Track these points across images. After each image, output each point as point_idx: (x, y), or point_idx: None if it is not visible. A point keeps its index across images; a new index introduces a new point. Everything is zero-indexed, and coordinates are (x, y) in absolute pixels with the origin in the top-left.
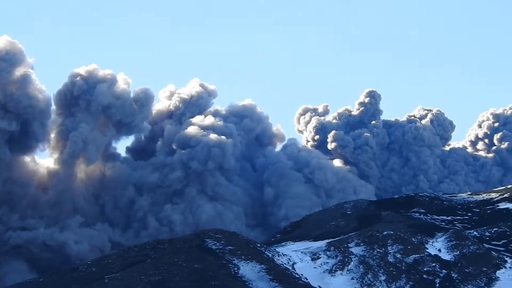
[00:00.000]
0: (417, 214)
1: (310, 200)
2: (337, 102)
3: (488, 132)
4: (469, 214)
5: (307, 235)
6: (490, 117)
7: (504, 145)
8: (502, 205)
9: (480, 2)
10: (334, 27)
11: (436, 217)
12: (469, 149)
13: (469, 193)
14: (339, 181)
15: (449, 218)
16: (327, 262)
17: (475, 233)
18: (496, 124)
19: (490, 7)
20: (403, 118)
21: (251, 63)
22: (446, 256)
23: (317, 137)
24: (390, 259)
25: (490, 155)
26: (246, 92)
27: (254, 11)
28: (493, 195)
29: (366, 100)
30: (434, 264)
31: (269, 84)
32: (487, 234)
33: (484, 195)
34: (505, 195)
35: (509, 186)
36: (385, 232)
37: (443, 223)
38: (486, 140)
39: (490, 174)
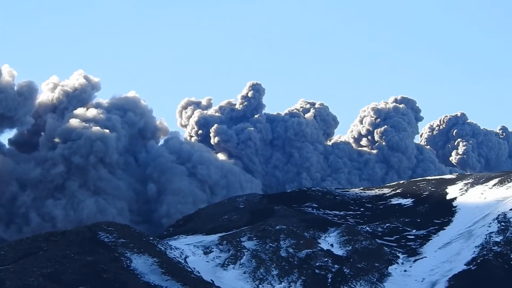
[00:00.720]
0: (310, 209)
1: (193, 195)
2: (221, 95)
3: (370, 129)
4: (362, 209)
5: (200, 229)
6: (371, 112)
7: (384, 142)
8: (395, 201)
9: None
10: (217, 20)
11: (329, 212)
12: (354, 144)
13: (362, 188)
14: (224, 176)
15: (341, 213)
16: (219, 256)
17: (367, 228)
18: (378, 120)
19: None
20: (285, 111)
21: (135, 55)
22: (338, 251)
23: (200, 131)
24: (283, 253)
25: (374, 151)
26: (130, 84)
27: (138, 2)
28: (386, 190)
29: (250, 93)
30: (326, 259)
31: (153, 76)
32: (380, 229)
33: (376, 190)
34: (398, 191)
35: (401, 182)
36: (277, 227)
37: (335, 218)
38: (369, 137)
39: (373, 172)
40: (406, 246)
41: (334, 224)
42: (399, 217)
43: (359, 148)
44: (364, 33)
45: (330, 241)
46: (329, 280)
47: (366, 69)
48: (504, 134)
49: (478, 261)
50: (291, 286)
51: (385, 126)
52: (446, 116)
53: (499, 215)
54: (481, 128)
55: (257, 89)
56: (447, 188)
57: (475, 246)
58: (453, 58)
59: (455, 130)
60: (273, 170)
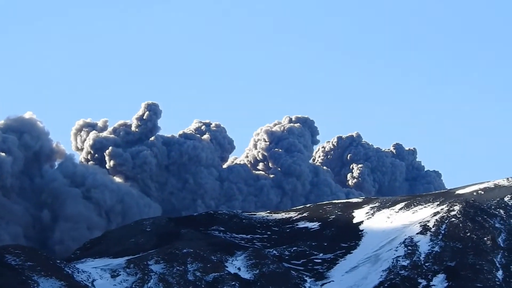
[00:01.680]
0: (217, 232)
1: (88, 221)
2: (119, 116)
3: (265, 153)
4: (269, 232)
5: (107, 252)
6: (265, 135)
7: (278, 166)
8: (301, 224)
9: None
10: (112, 38)
11: (236, 235)
12: (250, 166)
13: (268, 211)
14: (121, 200)
15: (248, 236)
16: (126, 280)
17: (274, 252)
18: (271, 144)
19: (261, 21)
20: (179, 132)
21: (31, 73)
22: (245, 275)
23: (96, 155)
24: (190, 277)
25: (271, 175)
26: (26, 104)
27: (40, 17)
28: (292, 213)
29: (145, 114)
30: (234, 283)
31: (50, 96)
32: (287, 253)
33: (283, 213)
34: (304, 214)
35: (308, 205)
36: (184, 250)
37: (242, 242)
38: (265, 162)
39: (268, 199)
40: (313, 270)
41: (241, 247)
42: (306, 241)
43: (256, 172)
44: (259, 50)
45: (237, 265)
46: None
47: (264, 88)
48: (400, 155)
49: (385, 285)
50: None
51: (279, 149)
52: (341, 137)
53: (405, 239)
54: (375, 147)
55: (153, 110)
56: (353, 211)
57: (382, 270)
58: (348, 76)
59: (349, 154)
60: (169, 197)
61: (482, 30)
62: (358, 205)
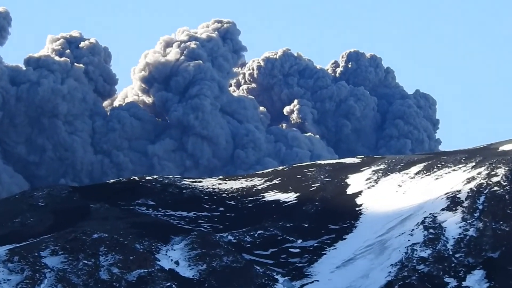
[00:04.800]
0: (144, 208)
1: None
2: None
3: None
4: (221, 208)
5: None
6: (152, 69)
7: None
8: (270, 196)
9: None
10: None
11: (173, 213)
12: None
13: (221, 177)
14: None
15: (191, 214)
16: (8, 279)
17: (230, 237)
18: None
19: None
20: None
21: None
22: (186, 272)
23: None
24: (104, 275)
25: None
26: None
27: None
28: (257, 180)
29: None
30: (168, 284)
31: None
32: (248, 239)
33: (243, 180)
34: (275, 181)
35: (280, 168)
36: (95, 235)
37: (182, 222)
38: None
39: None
40: (289, 265)
41: (181, 231)
42: (278, 221)
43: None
44: None
45: (174, 257)
46: None
47: None
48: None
49: (396, 286)
50: None
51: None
52: (273, 54)
53: (425, 218)
54: (319, 67)
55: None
56: (347, 177)
57: (391, 265)
58: None
59: (285, 89)
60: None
61: None
62: (355, 168)
